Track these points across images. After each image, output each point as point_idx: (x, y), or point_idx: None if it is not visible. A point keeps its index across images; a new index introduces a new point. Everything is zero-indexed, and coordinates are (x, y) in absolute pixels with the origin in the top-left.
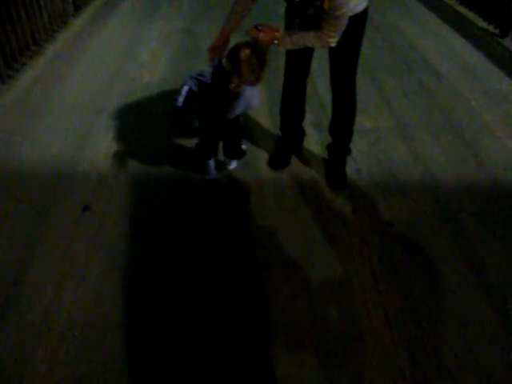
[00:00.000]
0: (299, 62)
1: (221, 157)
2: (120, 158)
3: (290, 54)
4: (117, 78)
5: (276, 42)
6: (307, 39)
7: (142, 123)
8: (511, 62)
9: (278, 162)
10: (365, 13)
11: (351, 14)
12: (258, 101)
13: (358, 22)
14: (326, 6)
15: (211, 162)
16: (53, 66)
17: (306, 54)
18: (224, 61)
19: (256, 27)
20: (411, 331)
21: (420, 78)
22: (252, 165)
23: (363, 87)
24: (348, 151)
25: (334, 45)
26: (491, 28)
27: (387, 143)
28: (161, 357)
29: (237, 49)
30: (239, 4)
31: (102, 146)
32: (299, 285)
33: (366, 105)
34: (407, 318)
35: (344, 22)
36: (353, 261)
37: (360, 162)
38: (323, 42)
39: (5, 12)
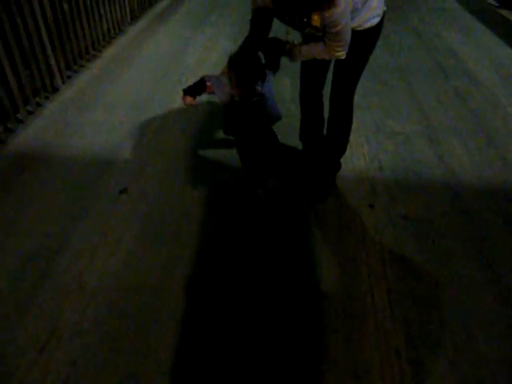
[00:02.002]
0: (312, 72)
1: None
2: (159, 149)
3: (304, 65)
4: (163, 79)
5: (288, 54)
6: (316, 51)
7: (183, 121)
8: None
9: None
10: (376, 29)
11: (360, 28)
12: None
13: (367, 37)
14: (315, 23)
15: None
16: (107, 68)
17: (320, 65)
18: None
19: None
20: (412, 316)
21: (456, 85)
22: None
23: (397, 92)
24: (338, 167)
25: (342, 57)
26: None
27: (413, 145)
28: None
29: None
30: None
31: (144, 139)
32: (313, 261)
33: (396, 109)
34: (410, 303)
35: (346, 36)
36: (363, 248)
37: (383, 160)
38: (332, 55)
39: (70, 21)
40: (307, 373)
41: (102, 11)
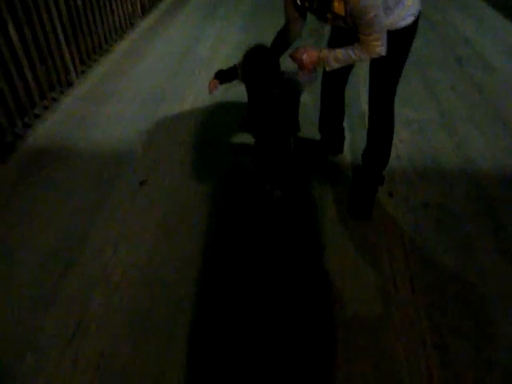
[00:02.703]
0: (335, 74)
1: None
2: (176, 140)
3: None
4: (177, 72)
5: (322, 63)
6: (353, 53)
7: (198, 114)
8: None
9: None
10: (411, 29)
11: (394, 28)
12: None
13: (402, 37)
14: (337, 10)
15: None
16: (121, 62)
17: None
18: None
19: (298, 49)
20: (435, 302)
21: (471, 73)
22: None
23: (411, 81)
24: (382, 180)
25: (383, 53)
26: None
27: (430, 133)
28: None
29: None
30: (289, 30)
31: (160, 131)
32: (333, 250)
33: (411, 97)
34: (432, 290)
35: (381, 25)
36: (385, 235)
37: (401, 149)
38: (370, 53)
39: (84, 16)
40: (331, 364)
41: (114, 6)
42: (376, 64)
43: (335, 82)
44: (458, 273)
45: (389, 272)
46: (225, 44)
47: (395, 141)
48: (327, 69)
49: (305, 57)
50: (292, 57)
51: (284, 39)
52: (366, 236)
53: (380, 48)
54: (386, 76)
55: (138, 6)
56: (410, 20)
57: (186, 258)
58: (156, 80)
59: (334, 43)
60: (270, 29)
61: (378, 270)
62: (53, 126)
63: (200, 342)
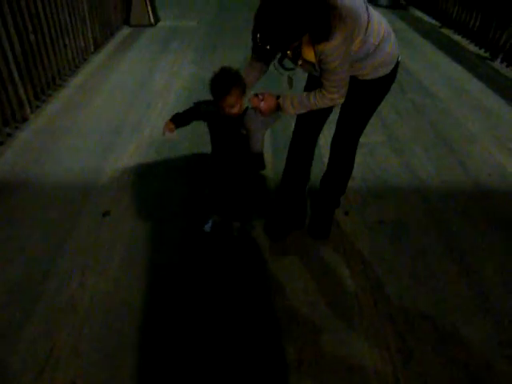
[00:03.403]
0: (311, 117)
1: None
2: (136, 172)
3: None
4: (133, 104)
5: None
6: (307, 99)
7: (156, 144)
8: (500, 81)
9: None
10: (388, 78)
11: (370, 77)
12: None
13: (378, 87)
14: (308, 57)
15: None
16: (75, 96)
17: (319, 113)
18: None
19: (256, 95)
20: (395, 311)
21: (413, 98)
22: None
23: None
24: (338, 203)
25: (340, 101)
26: (482, 52)
27: (379, 155)
28: (169, 338)
29: None
30: (251, 70)
31: (120, 162)
32: (297, 270)
33: None
34: (392, 300)
35: (342, 76)
36: (344, 253)
37: (354, 171)
38: (327, 101)
39: (37, 51)
40: (300, 370)
41: (67, 41)
42: (346, 110)
43: (310, 127)
44: (415, 280)
45: (351, 287)
46: (178, 77)
47: None
48: (285, 113)
49: (262, 105)
50: (250, 103)
51: (249, 76)
52: (325, 254)
53: (336, 96)
54: (354, 123)
55: (91, 41)
56: (388, 69)
57: (151, 285)
58: (112, 113)
59: (309, 89)
60: (223, 63)
61: (339, 285)
62: (9, 160)
63: (174, 364)
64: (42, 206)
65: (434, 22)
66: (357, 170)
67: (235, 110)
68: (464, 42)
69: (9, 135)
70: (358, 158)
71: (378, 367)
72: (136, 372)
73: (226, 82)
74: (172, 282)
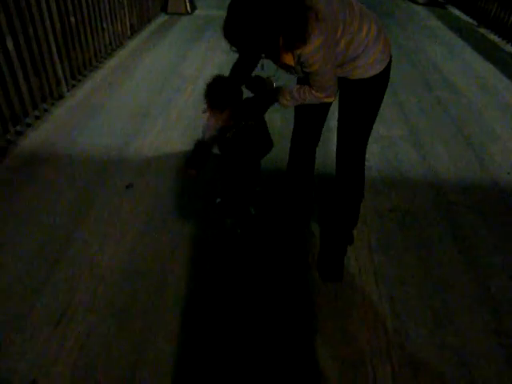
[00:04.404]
0: (308, 122)
1: None
2: (161, 149)
3: (298, 114)
4: (164, 88)
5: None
6: (299, 96)
7: (181, 127)
8: None
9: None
10: (382, 76)
11: (363, 76)
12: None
13: (373, 86)
14: (286, 61)
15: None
16: (109, 77)
17: (318, 113)
18: None
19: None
20: (396, 293)
21: (439, 95)
22: None
23: (384, 102)
24: (351, 240)
25: (328, 100)
26: None
27: (398, 148)
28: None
29: None
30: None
31: (146, 140)
32: (305, 251)
33: (383, 116)
34: (394, 283)
35: (326, 77)
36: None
37: (371, 161)
38: (314, 99)
39: (76, 32)
40: (304, 342)
41: (105, 25)
42: (345, 114)
43: (307, 133)
44: (418, 267)
45: (355, 267)
46: (209, 64)
47: (366, 154)
48: (280, 104)
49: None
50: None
51: (241, 71)
52: None
53: (322, 94)
54: (355, 128)
55: (128, 26)
56: (380, 67)
57: (165, 255)
58: (143, 95)
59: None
60: None
61: (345, 265)
62: (44, 133)
63: (179, 325)
64: (70, 176)
65: (471, 20)
66: (373, 161)
67: (230, 122)
68: (500, 41)
69: (45, 110)
70: (376, 150)
71: (373, 344)
72: (144, 330)
73: (219, 99)
74: (185, 254)
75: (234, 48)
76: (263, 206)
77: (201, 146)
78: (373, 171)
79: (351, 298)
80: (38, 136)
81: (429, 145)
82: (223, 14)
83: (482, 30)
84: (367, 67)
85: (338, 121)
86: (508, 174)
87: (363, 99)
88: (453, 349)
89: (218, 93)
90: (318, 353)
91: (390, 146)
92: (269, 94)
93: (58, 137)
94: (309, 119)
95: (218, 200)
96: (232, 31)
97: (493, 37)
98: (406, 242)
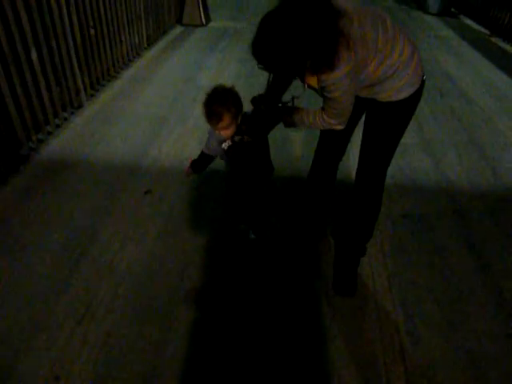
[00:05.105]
0: (333, 138)
1: None
2: (178, 157)
3: (323, 132)
4: (180, 97)
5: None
6: (308, 120)
7: (199, 136)
8: None
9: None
10: (412, 100)
11: (392, 99)
12: None
13: (401, 110)
14: (311, 82)
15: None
16: (126, 88)
17: (343, 132)
18: None
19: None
20: (409, 297)
21: (452, 104)
22: None
23: None
24: (363, 252)
25: (338, 128)
26: None
27: (411, 155)
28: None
29: None
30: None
31: (164, 148)
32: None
33: None
34: (407, 287)
35: (343, 106)
36: None
37: None
38: (325, 124)
39: (95, 44)
40: (318, 342)
41: (123, 37)
42: (370, 135)
43: (331, 149)
44: (431, 271)
45: (368, 271)
46: (224, 74)
47: None
48: (285, 126)
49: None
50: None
51: (275, 89)
52: None
53: (333, 121)
54: (379, 149)
55: (144, 38)
56: (411, 91)
57: (184, 258)
58: (160, 104)
59: None
60: None
61: (358, 269)
62: (64, 141)
63: (197, 327)
64: (90, 182)
65: (483, 30)
66: None
67: (230, 132)
68: None
69: (65, 119)
70: None
71: (386, 345)
72: (163, 329)
73: (217, 107)
74: (201, 257)
75: (260, 66)
76: (284, 215)
77: (204, 153)
78: (386, 178)
79: (365, 302)
80: (58, 144)
81: (441, 153)
82: (237, 25)
83: (495, 39)
84: (397, 90)
85: (362, 140)
86: None
87: (390, 123)
88: (465, 351)
89: (210, 102)
90: (332, 352)
91: (402, 153)
92: (272, 112)
93: (78, 144)
94: (335, 134)
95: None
96: (260, 50)
97: (505, 46)
98: (419, 247)
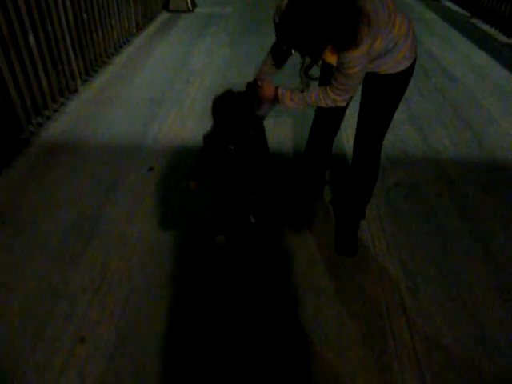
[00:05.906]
0: (329, 115)
1: None
2: (178, 136)
3: (319, 110)
4: (174, 80)
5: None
6: (311, 98)
7: (196, 116)
8: None
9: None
10: (408, 72)
11: (392, 71)
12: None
13: (400, 81)
14: (328, 59)
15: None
16: (120, 72)
17: (338, 110)
18: None
19: (255, 82)
20: (407, 256)
21: (436, 82)
22: None
23: None
24: (363, 215)
25: (341, 105)
26: (511, 41)
27: (400, 130)
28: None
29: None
30: (266, 65)
31: (163, 129)
32: (318, 229)
33: None
34: (405, 248)
35: (354, 83)
36: None
37: None
38: (329, 101)
39: (88, 28)
40: (323, 302)
41: (113, 22)
42: (369, 105)
43: (327, 125)
44: (426, 235)
45: (367, 235)
46: (214, 57)
47: None
48: (282, 105)
49: (260, 91)
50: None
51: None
52: None
53: (339, 97)
54: (378, 119)
55: (134, 24)
56: (407, 63)
57: (187, 229)
58: (154, 87)
59: (323, 83)
60: (254, 46)
61: (358, 233)
62: (63, 125)
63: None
64: (93, 161)
65: (464, 12)
66: None
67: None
68: (493, 31)
69: (62, 104)
70: None
71: (388, 299)
72: (181, 295)
73: (229, 123)
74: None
75: (286, 46)
76: (262, 214)
77: (202, 158)
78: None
79: (366, 262)
80: (58, 127)
81: (429, 127)
82: (223, 10)
83: (475, 21)
84: (395, 63)
85: (361, 111)
86: (504, 150)
87: (388, 93)
88: (461, 300)
89: (222, 115)
90: (337, 310)
91: (392, 128)
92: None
93: (78, 127)
94: (330, 111)
95: (209, 216)
96: (287, 32)
97: (485, 27)
98: (412, 212)
